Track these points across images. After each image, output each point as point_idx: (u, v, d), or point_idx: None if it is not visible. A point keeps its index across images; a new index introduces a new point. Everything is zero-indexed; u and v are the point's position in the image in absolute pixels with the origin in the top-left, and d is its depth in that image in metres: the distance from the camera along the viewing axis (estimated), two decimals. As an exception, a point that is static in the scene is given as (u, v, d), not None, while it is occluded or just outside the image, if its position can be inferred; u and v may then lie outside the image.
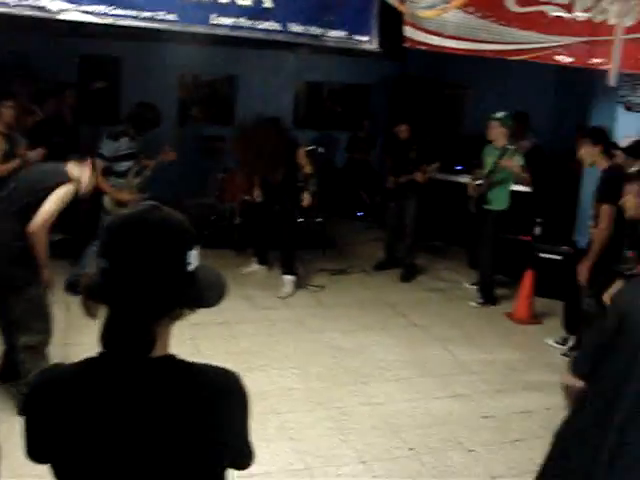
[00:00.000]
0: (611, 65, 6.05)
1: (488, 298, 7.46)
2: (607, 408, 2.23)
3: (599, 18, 6.10)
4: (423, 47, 5.76)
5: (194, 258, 1.52)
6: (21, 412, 1.53)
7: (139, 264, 1.44)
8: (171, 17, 5.12)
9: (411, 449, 4.46)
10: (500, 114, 7.19)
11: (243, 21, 5.30)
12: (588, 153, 5.65)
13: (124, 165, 6.53)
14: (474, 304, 7.43)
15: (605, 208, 5.39)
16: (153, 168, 6.82)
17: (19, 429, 1.56)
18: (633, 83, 6.95)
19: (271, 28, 5.40)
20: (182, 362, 1.53)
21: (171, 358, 1.53)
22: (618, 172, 5.52)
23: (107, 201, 6.45)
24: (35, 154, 6.42)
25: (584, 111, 7.68)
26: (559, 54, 6.09)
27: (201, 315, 5.67)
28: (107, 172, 6.48)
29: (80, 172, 4.46)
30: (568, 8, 6.01)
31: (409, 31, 5.58)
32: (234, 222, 9.10)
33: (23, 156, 6.24)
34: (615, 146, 5.95)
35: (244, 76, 11.14)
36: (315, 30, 5.45)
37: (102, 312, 1.49)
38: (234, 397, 1.58)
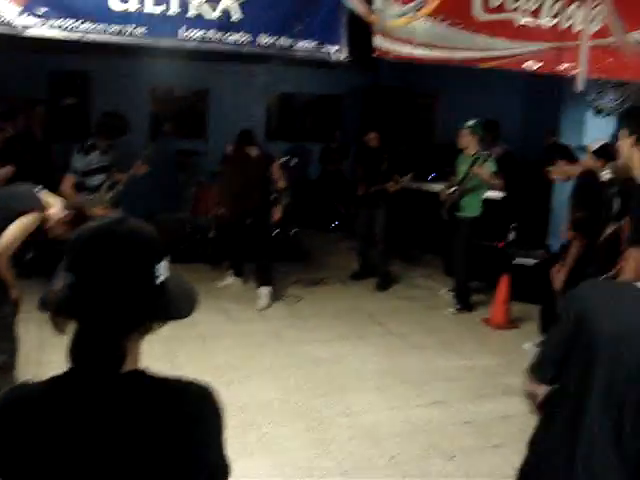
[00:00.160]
0: (578, 71, 6.11)
1: (464, 304, 7.49)
2: (573, 414, 2.23)
3: (565, 25, 6.16)
4: (393, 56, 5.78)
5: (163, 270, 1.49)
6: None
7: (107, 278, 1.41)
8: (140, 31, 5.10)
9: (392, 458, 4.44)
10: (470, 122, 7.25)
11: (212, 34, 5.29)
12: (559, 172, 5.71)
13: (96, 179, 6.49)
14: (451, 311, 7.45)
15: (582, 214, 5.42)
16: (125, 182, 6.78)
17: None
18: (600, 88, 7.03)
19: (240, 40, 5.39)
20: (154, 377, 1.50)
21: (142, 373, 1.50)
22: (592, 177, 5.57)
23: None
24: (4, 171, 6.35)
25: (554, 117, 7.75)
26: (527, 61, 6.14)
27: (177, 329, 5.61)
28: (79, 187, 6.43)
29: (53, 203, 4.28)
30: (535, 15, 6.07)
31: (379, 40, 5.59)
32: (208, 236, 9.06)
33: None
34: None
35: (216, 89, 11.14)
36: (285, 41, 5.45)
37: (71, 328, 1.46)
38: (208, 411, 1.55)
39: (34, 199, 4.13)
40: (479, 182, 7.19)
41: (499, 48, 5.97)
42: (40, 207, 4.12)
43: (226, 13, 5.19)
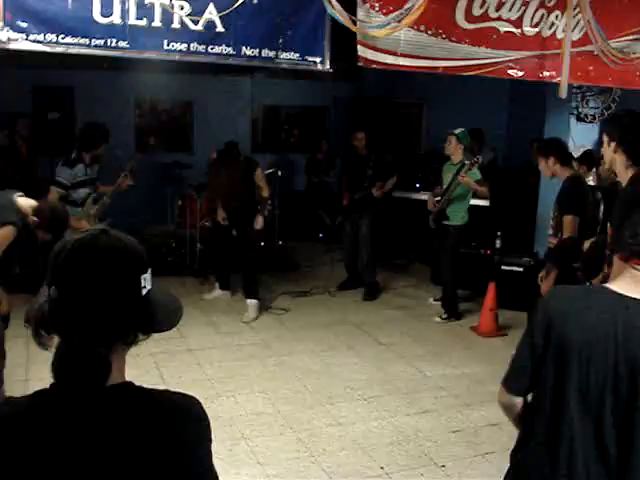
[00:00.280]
0: (561, 78, 6.15)
1: (452, 313, 7.49)
2: (552, 424, 2.23)
3: (548, 33, 6.20)
4: (377, 66, 5.79)
5: (147, 281, 1.48)
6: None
7: (90, 290, 1.40)
8: (123, 44, 5.09)
9: (382, 468, 4.42)
10: (458, 130, 7.29)
11: (195, 46, 5.29)
12: (543, 167, 5.71)
13: (81, 192, 6.45)
14: (439, 319, 7.45)
15: (568, 219, 5.41)
16: (111, 195, 6.75)
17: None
18: (583, 94, 7.09)
19: (224, 52, 5.39)
20: (140, 389, 1.49)
21: (128, 385, 1.49)
22: (578, 182, 5.59)
23: (67, 231, 6.35)
24: (-12, 186, 6.31)
25: (538, 124, 7.80)
26: (510, 69, 6.17)
27: (165, 343, 5.59)
28: (64, 200, 6.39)
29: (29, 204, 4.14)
30: (517, 24, 6.10)
31: (362, 51, 5.60)
32: (195, 248, 9.04)
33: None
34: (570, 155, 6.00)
35: (201, 102, 11.15)
36: (268, 53, 5.46)
37: (55, 342, 1.45)
38: (195, 423, 1.53)
39: (9, 210, 3.99)
40: (464, 190, 7.22)
41: (482, 57, 5.99)
42: (16, 218, 3.99)
43: (209, 25, 5.19)
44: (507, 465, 2.43)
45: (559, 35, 6.16)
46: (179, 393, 1.55)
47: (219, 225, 7.66)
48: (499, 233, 7.48)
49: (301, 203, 11.22)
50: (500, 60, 6.12)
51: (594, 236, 5.01)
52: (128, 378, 1.51)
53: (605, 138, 3.75)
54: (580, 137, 7.08)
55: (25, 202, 4.06)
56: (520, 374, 2.34)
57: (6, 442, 1.40)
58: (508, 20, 6.04)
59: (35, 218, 4.04)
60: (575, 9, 6.01)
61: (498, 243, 7.44)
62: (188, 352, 6.28)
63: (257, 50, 5.42)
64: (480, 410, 5.29)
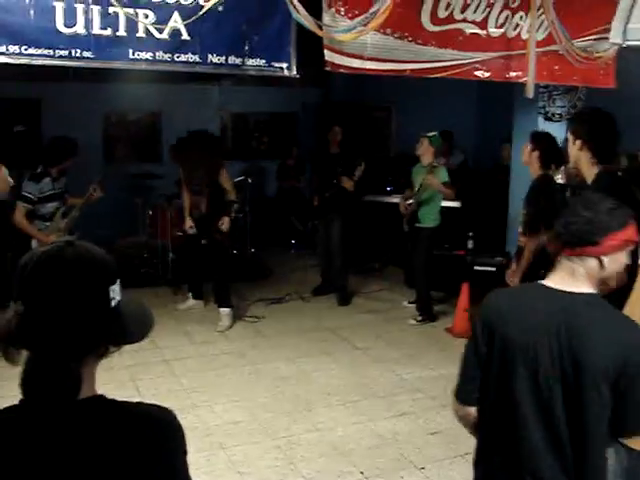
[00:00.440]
0: (527, 78, 6.19)
1: (427, 315, 7.51)
2: (509, 428, 2.24)
3: (513, 34, 6.24)
4: (344, 70, 5.78)
5: (117, 292, 1.46)
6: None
7: (57, 303, 1.37)
8: (88, 54, 5.03)
9: (361, 472, 4.41)
10: (431, 134, 7.35)
11: (162, 55, 5.25)
12: (527, 154, 5.72)
13: (49, 207, 6.39)
14: (413, 322, 7.46)
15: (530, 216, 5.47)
16: (81, 208, 6.68)
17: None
18: (550, 94, 7.14)
19: (190, 60, 5.36)
20: (112, 402, 1.47)
21: (100, 398, 1.46)
22: (546, 180, 5.63)
23: (35, 246, 6.28)
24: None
25: (507, 124, 7.85)
26: (477, 70, 6.20)
27: (140, 355, 5.55)
28: (32, 216, 6.33)
29: None
30: (482, 25, 6.14)
31: (329, 55, 5.59)
32: (167, 258, 8.98)
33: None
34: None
35: (169, 112, 11.08)
36: (234, 59, 5.42)
37: (24, 357, 1.42)
38: (170, 435, 1.50)
39: None
40: (434, 192, 7.25)
41: (448, 58, 6.01)
42: None
43: (174, 34, 5.14)
44: (486, 465, 2.43)
45: (524, 35, 6.21)
46: (153, 405, 1.53)
47: (189, 234, 7.61)
48: (471, 234, 7.51)
49: (272, 209, 11.21)
50: (466, 62, 6.14)
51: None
52: (103, 392, 1.49)
53: (570, 136, 3.77)
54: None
55: None
56: (470, 383, 2.33)
57: None
58: (473, 22, 6.07)
59: None
60: (539, 10, 6.06)
61: (470, 244, 7.47)
62: (163, 363, 6.23)
63: (223, 57, 5.39)
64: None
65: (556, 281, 2.23)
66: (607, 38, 6.17)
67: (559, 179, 6.38)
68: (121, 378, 5.67)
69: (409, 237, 7.59)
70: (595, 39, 6.40)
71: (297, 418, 5.20)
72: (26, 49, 4.77)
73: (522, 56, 6.20)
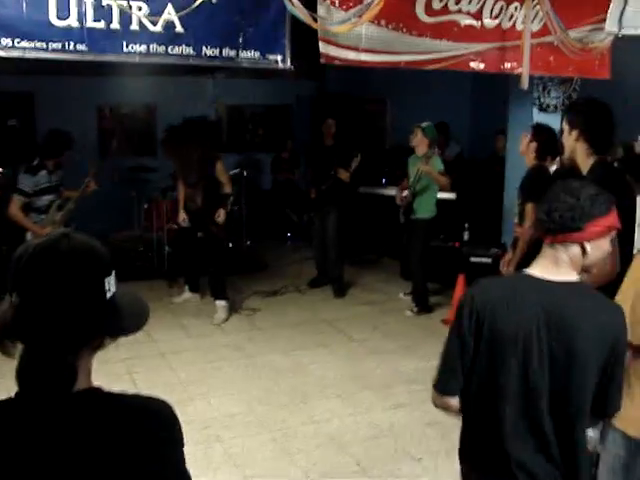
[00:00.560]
0: (522, 69, 6.19)
1: (423, 306, 7.52)
2: (494, 419, 2.25)
3: (507, 25, 6.23)
4: (339, 62, 5.77)
5: (112, 284, 1.45)
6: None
7: (52, 295, 1.36)
8: (81, 47, 5.01)
9: (359, 463, 4.42)
10: (425, 124, 7.32)
11: (156, 47, 5.22)
12: (525, 144, 5.74)
13: (45, 199, 6.38)
14: (410, 313, 7.47)
15: (530, 206, 5.47)
16: (76, 201, 6.67)
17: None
18: (544, 85, 7.14)
19: (185, 53, 5.34)
20: (109, 394, 1.46)
21: (96, 391, 1.46)
22: (540, 170, 5.63)
23: (30, 238, 6.27)
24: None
25: (501, 116, 7.85)
26: (472, 61, 6.19)
27: (137, 348, 5.54)
28: (27, 208, 6.32)
29: None
30: (477, 16, 6.12)
31: (324, 47, 5.57)
32: (163, 251, 8.97)
33: None
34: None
35: (163, 105, 11.03)
36: (229, 52, 5.40)
37: (19, 350, 1.41)
38: (167, 427, 1.50)
39: None
40: (429, 182, 7.24)
41: (444, 50, 6.00)
42: None
43: (168, 26, 5.12)
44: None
45: (519, 26, 6.20)
46: (150, 397, 1.52)
47: (183, 227, 7.60)
48: (467, 225, 7.51)
49: (268, 202, 11.20)
50: (461, 53, 6.13)
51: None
52: (99, 385, 1.49)
53: (566, 126, 3.76)
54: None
55: None
56: (450, 373, 2.33)
57: None
58: (468, 13, 6.05)
59: None
60: (534, 0, 6.05)
61: (466, 235, 7.48)
62: (160, 356, 6.23)
63: (218, 50, 5.37)
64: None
65: (540, 270, 2.24)
66: (602, 28, 6.17)
67: (554, 169, 6.38)
68: (117, 371, 5.67)
69: (405, 229, 7.59)
70: (590, 29, 6.39)
71: (293, 410, 5.21)
72: (19, 42, 4.75)
73: (517, 47, 6.19)
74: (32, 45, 4.82)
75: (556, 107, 7.20)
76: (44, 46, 4.88)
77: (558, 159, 6.25)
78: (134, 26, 5.08)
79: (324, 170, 8.04)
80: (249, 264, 9.32)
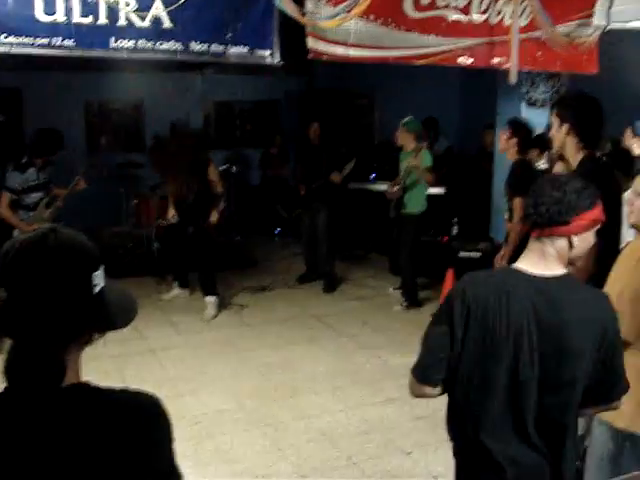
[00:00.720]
0: (510, 64, 6.21)
1: (412, 301, 7.53)
2: (482, 414, 2.26)
3: (495, 20, 6.25)
4: (328, 58, 5.78)
5: (100, 279, 1.45)
6: None
7: (40, 290, 1.36)
8: (69, 43, 5.00)
9: (349, 458, 4.43)
10: (405, 119, 7.29)
11: (143, 43, 5.22)
12: (504, 141, 5.77)
13: (33, 197, 6.36)
14: (399, 308, 7.48)
15: (517, 201, 5.50)
16: (64, 198, 6.65)
17: None
18: (532, 80, 7.16)
19: (173, 48, 5.34)
20: (97, 389, 1.46)
21: (85, 386, 1.45)
22: (525, 164, 5.66)
23: (17, 234, 6.25)
24: None
25: (490, 110, 7.86)
26: (460, 56, 6.22)
27: (126, 345, 5.51)
28: (16, 206, 6.29)
29: None
30: (465, 11, 6.14)
31: (313, 42, 5.58)
32: (152, 248, 8.94)
33: None
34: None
35: (151, 100, 11.00)
36: (217, 48, 5.41)
37: (7, 345, 1.41)
38: (156, 422, 1.49)
39: None
40: (419, 177, 7.24)
41: (432, 45, 6.02)
42: None
43: (156, 21, 5.12)
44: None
45: (507, 22, 6.22)
46: (138, 392, 1.52)
47: (173, 223, 7.58)
48: (455, 220, 7.52)
49: (257, 198, 11.18)
50: (450, 48, 6.16)
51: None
52: (88, 380, 1.48)
53: (556, 121, 3.76)
54: (531, 122, 7.15)
55: None
56: (433, 364, 2.32)
57: None
58: (456, 8, 6.08)
59: None
60: (521, -5, 6.08)
61: (455, 230, 7.49)
62: (149, 353, 6.22)
63: (206, 45, 5.37)
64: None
65: (528, 264, 2.24)
66: (589, 24, 6.20)
67: (543, 164, 6.41)
68: (107, 368, 5.65)
69: (395, 224, 7.59)
70: (577, 25, 6.42)
71: (284, 405, 5.21)
72: (5, 37, 4.73)
73: (505, 42, 6.22)
74: (19, 40, 4.81)
75: (544, 102, 7.23)
76: (31, 41, 4.87)
77: (546, 153, 6.29)
78: (122, 22, 5.08)
79: (314, 168, 8.03)
80: (238, 260, 9.30)
